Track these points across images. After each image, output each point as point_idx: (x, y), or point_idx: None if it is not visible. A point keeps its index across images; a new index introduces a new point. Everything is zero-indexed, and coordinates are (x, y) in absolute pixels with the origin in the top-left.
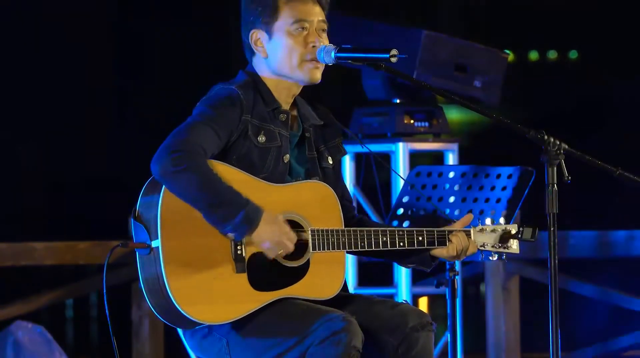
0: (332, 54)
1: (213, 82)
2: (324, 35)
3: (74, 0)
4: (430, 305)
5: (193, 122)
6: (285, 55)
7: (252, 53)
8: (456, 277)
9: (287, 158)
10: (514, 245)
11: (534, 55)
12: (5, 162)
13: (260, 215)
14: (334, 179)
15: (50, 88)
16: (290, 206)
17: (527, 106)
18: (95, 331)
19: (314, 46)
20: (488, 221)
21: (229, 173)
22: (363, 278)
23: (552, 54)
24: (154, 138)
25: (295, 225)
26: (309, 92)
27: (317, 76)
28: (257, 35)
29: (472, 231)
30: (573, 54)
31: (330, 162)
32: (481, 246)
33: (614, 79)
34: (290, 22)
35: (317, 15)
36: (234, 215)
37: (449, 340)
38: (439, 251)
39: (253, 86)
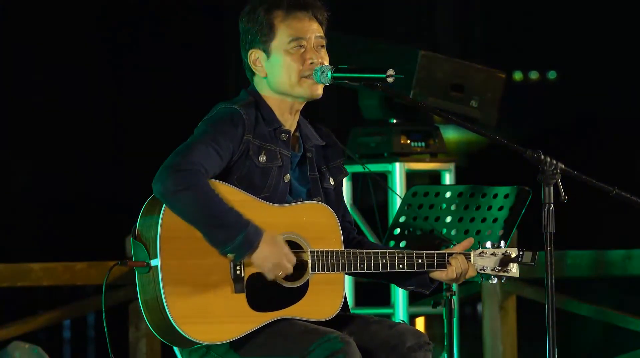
0: (329, 74)
1: (210, 103)
2: (323, 51)
3: (67, 19)
4: (427, 325)
5: (195, 142)
6: (284, 73)
7: (252, 73)
8: (453, 297)
9: (287, 177)
10: (514, 269)
11: (518, 75)
12: (1, 182)
13: (261, 237)
14: (335, 200)
15: (47, 106)
16: (290, 226)
17: (519, 126)
18: (92, 352)
19: (312, 63)
20: (488, 244)
21: (229, 193)
22: (360, 298)
23: (534, 75)
24: (152, 158)
25: (294, 246)
26: (307, 112)
27: (319, 91)
28: (255, 55)
29: (472, 255)
30: (552, 75)
31: (332, 183)
32: (481, 269)
33: (595, 98)
34: (287, 41)
35: (315, 31)
36: (234, 237)
37: None
38: (438, 274)
39: (255, 105)
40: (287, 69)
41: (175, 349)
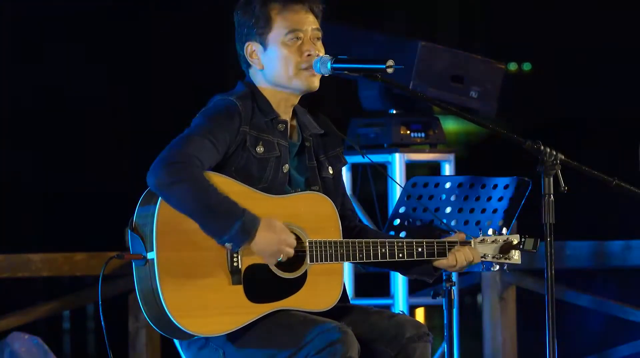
0: (328, 65)
1: (209, 95)
2: (319, 43)
3: (71, 8)
4: (427, 315)
5: (190, 134)
6: (282, 65)
7: (248, 65)
8: (453, 288)
9: (286, 168)
10: (516, 256)
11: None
12: (1, 173)
13: (257, 224)
14: (334, 188)
15: (47, 97)
16: (287, 217)
17: (518, 117)
18: (92, 342)
19: (309, 54)
20: (490, 231)
21: (226, 185)
22: (360, 289)
23: (513, 66)
24: (153, 149)
25: None
26: (307, 103)
27: (315, 83)
28: (252, 48)
29: (473, 242)
30: (527, 66)
31: (331, 172)
32: (482, 257)
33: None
34: (284, 33)
35: (311, 24)
36: (230, 226)
37: (445, 350)
38: (443, 263)
39: (251, 96)
40: (285, 61)
41: (175, 340)
